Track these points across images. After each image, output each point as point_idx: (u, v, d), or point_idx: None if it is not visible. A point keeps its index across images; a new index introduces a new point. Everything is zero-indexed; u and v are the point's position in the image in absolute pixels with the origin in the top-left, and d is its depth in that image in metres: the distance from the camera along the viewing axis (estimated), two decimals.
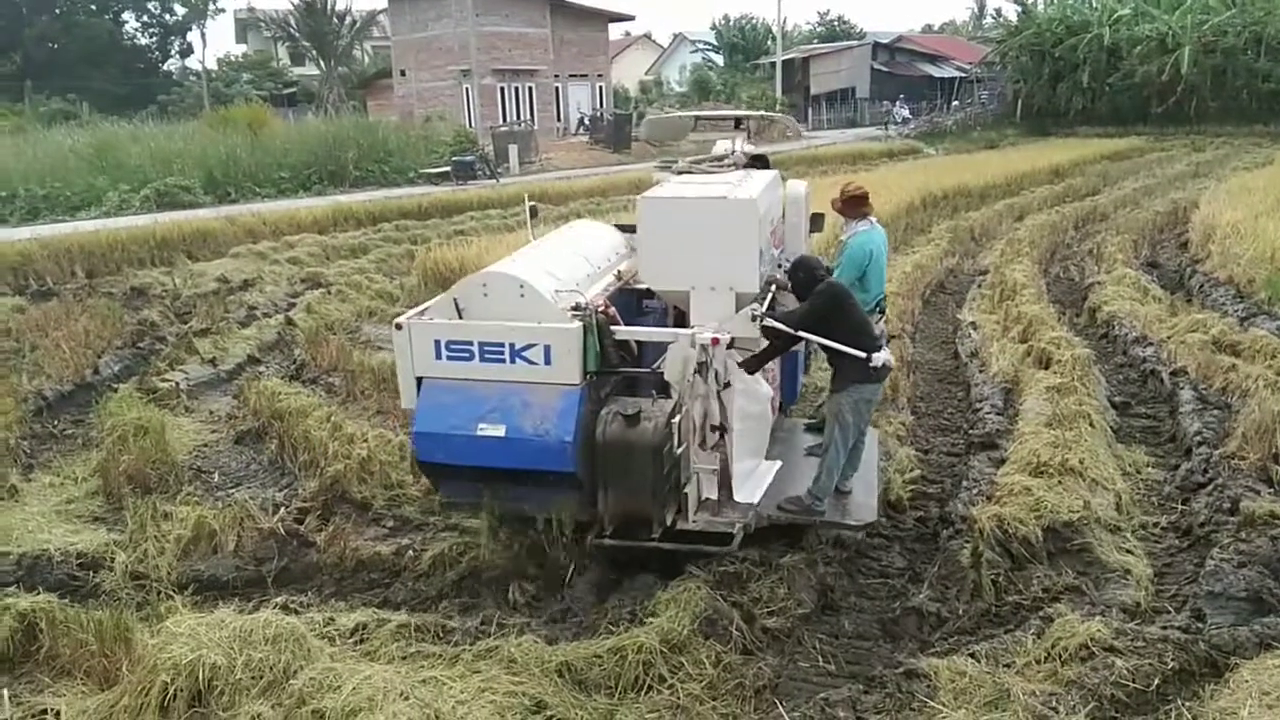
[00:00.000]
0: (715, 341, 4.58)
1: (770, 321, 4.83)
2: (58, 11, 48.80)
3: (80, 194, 19.07)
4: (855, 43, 56.78)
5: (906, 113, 44.41)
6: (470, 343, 4.64)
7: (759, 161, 6.44)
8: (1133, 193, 20.25)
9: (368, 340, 10.11)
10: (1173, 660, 3.71)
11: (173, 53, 54.17)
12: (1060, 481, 5.40)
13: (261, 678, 3.57)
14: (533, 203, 6.76)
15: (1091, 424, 6.47)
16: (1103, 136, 35.12)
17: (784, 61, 49.55)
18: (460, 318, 4.76)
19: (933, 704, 3.58)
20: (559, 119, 40.96)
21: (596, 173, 26.65)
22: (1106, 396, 7.48)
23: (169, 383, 8.41)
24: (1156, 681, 3.63)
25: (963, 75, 52.29)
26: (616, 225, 6.46)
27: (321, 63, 44.51)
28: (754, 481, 5.12)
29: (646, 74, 66.20)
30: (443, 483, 4.97)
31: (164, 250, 14.30)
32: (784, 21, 53.93)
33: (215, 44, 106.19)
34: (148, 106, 40.60)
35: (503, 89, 37.99)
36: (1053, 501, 5.11)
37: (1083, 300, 11.01)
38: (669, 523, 4.62)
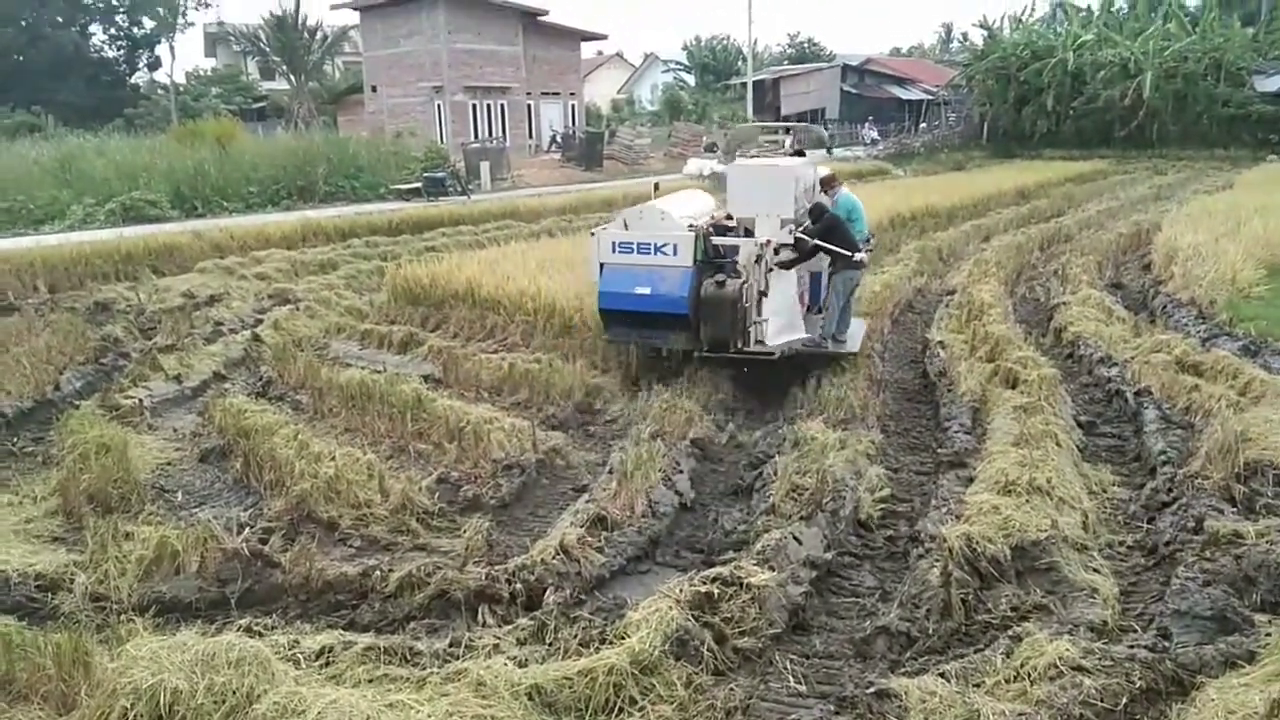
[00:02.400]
0: (768, 243, 8.46)
1: (799, 234, 8.74)
2: (23, 23, 48.11)
3: (44, 207, 18.77)
4: (825, 65, 57.49)
5: (875, 134, 44.97)
6: (632, 242, 8.25)
7: (798, 154, 10.30)
8: (1096, 214, 20.59)
9: (336, 357, 10.01)
10: (1140, 679, 3.74)
11: (140, 66, 53.63)
12: (1028, 500, 5.44)
13: (224, 702, 3.49)
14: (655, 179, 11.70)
15: (1058, 443, 6.53)
16: (1067, 159, 35.77)
17: (755, 82, 50.04)
18: (627, 229, 8.38)
19: None
20: (531, 136, 41.02)
21: (569, 190, 26.67)
22: (1073, 416, 7.57)
23: (132, 400, 8.28)
24: (1124, 701, 3.65)
25: (930, 98, 53.07)
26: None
27: (292, 77, 44.26)
28: (786, 333, 8.71)
29: (619, 92, 66.55)
30: (610, 326, 8.59)
31: (129, 265, 14.11)
32: (755, 43, 54.46)
33: (184, 58, 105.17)
34: (114, 120, 40.18)
35: (475, 106, 37.99)
36: (1021, 520, 5.14)
37: (1049, 320, 11.15)
38: (739, 345, 8.23)
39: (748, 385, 8.88)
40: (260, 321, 11.49)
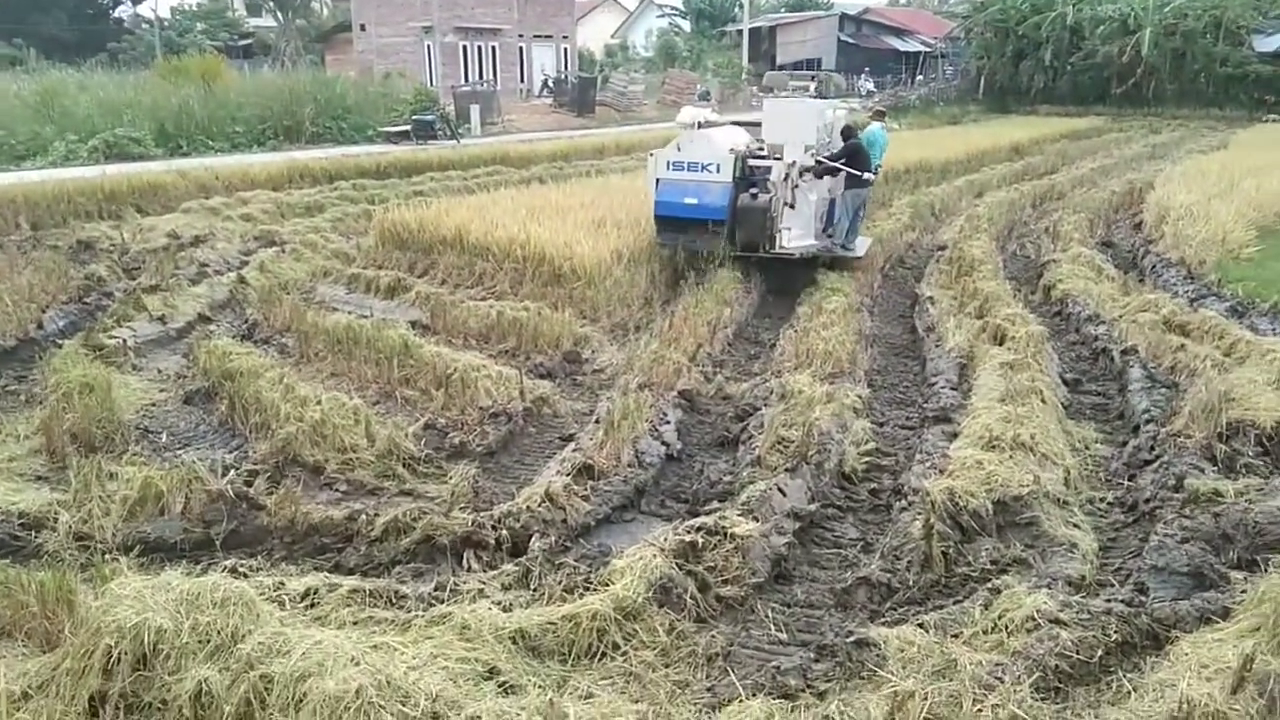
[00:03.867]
0: (794, 164, 10.40)
1: (820, 159, 10.72)
2: None
3: (25, 143, 18.43)
4: (822, 13, 56.58)
5: (871, 86, 44.47)
6: (684, 161, 10.10)
7: (820, 96, 12.15)
8: (1090, 172, 20.51)
9: (322, 301, 9.93)
10: (1115, 633, 3.79)
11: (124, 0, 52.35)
12: (1011, 456, 5.48)
13: (209, 641, 3.51)
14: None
15: (1043, 400, 6.56)
16: (1063, 115, 35.53)
17: (751, 30, 49.30)
18: (679, 151, 10.15)
19: (882, 673, 3.62)
20: (522, 80, 40.42)
21: (560, 136, 26.37)
22: (1059, 373, 7.61)
23: (116, 340, 8.19)
24: (1099, 653, 3.71)
25: (928, 50, 52.43)
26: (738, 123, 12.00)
27: (279, 14, 43.39)
28: (804, 241, 10.61)
29: (612, 37, 65.41)
30: (661, 231, 10.27)
31: (112, 203, 13.89)
32: None
33: None
34: (97, 54, 39.32)
35: (465, 47, 37.34)
36: (1003, 476, 5.18)
37: (1038, 278, 11.15)
38: (767, 248, 10.21)
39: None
40: (246, 263, 11.38)
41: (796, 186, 10.48)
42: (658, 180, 10.25)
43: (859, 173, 10.63)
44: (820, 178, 10.85)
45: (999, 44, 42.06)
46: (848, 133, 10.96)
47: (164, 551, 4.81)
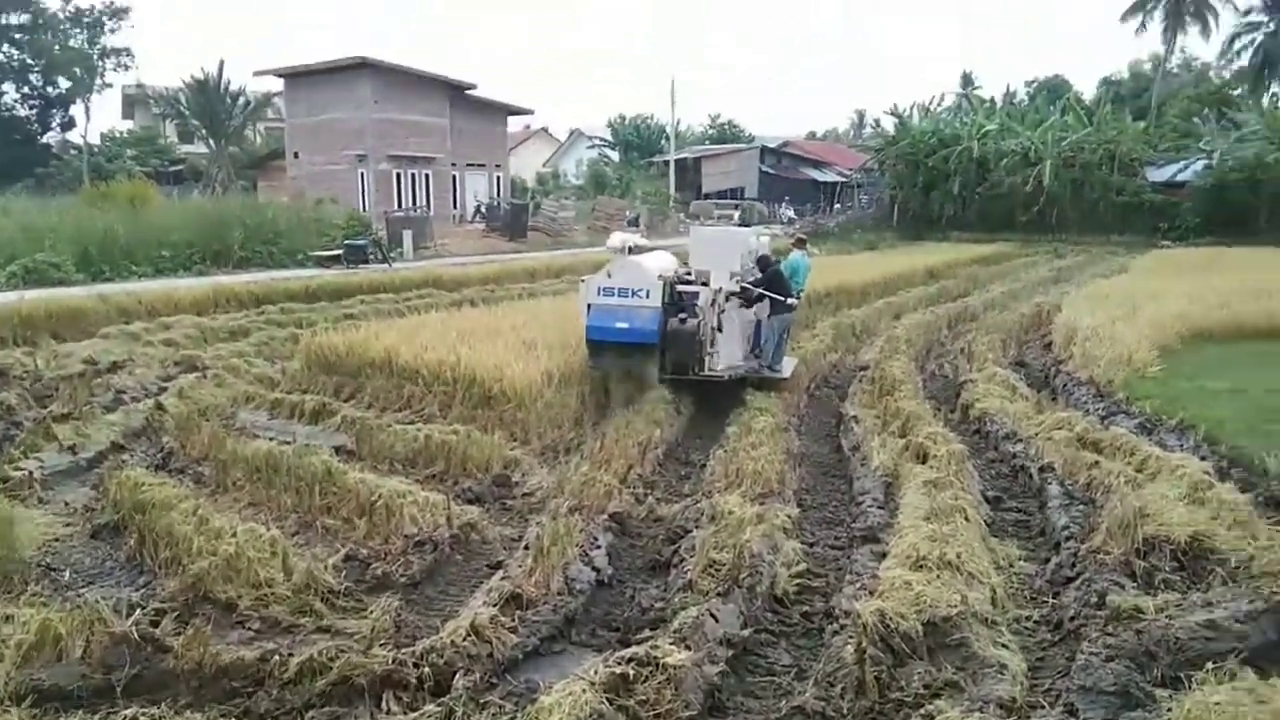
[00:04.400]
0: (720, 290, 10.88)
1: (744, 284, 11.17)
2: None
3: None
4: (744, 146, 59.31)
5: (792, 213, 46.34)
6: (615, 287, 10.26)
7: (744, 224, 13.15)
8: (1000, 295, 21.46)
9: (243, 427, 9.67)
10: None
11: (53, 126, 52.10)
12: (939, 575, 5.50)
13: None
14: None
15: (967, 518, 6.66)
16: (972, 241, 37.34)
17: (677, 160, 51.25)
18: (610, 278, 10.31)
19: None
20: (456, 206, 41.12)
21: (492, 260, 26.73)
22: (980, 491, 7.75)
23: (22, 471, 7.83)
24: None
25: (844, 180, 55.13)
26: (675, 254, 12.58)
27: (211, 141, 43.69)
28: (734, 362, 11.24)
29: (544, 166, 67.36)
30: (594, 355, 10.39)
31: (28, 329, 13.56)
32: (677, 123, 55.94)
33: (100, 119, 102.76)
34: (23, 180, 38.89)
35: (399, 174, 37.98)
36: (932, 596, 5.19)
37: (956, 396, 11.48)
38: (696, 370, 10.50)
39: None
40: (165, 390, 11.10)
41: (723, 311, 10.92)
42: (589, 305, 10.36)
43: (781, 298, 11.15)
44: (748, 305, 11.33)
45: (910, 175, 44.50)
46: (763, 262, 11.41)
47: (60, 700, 4.49)
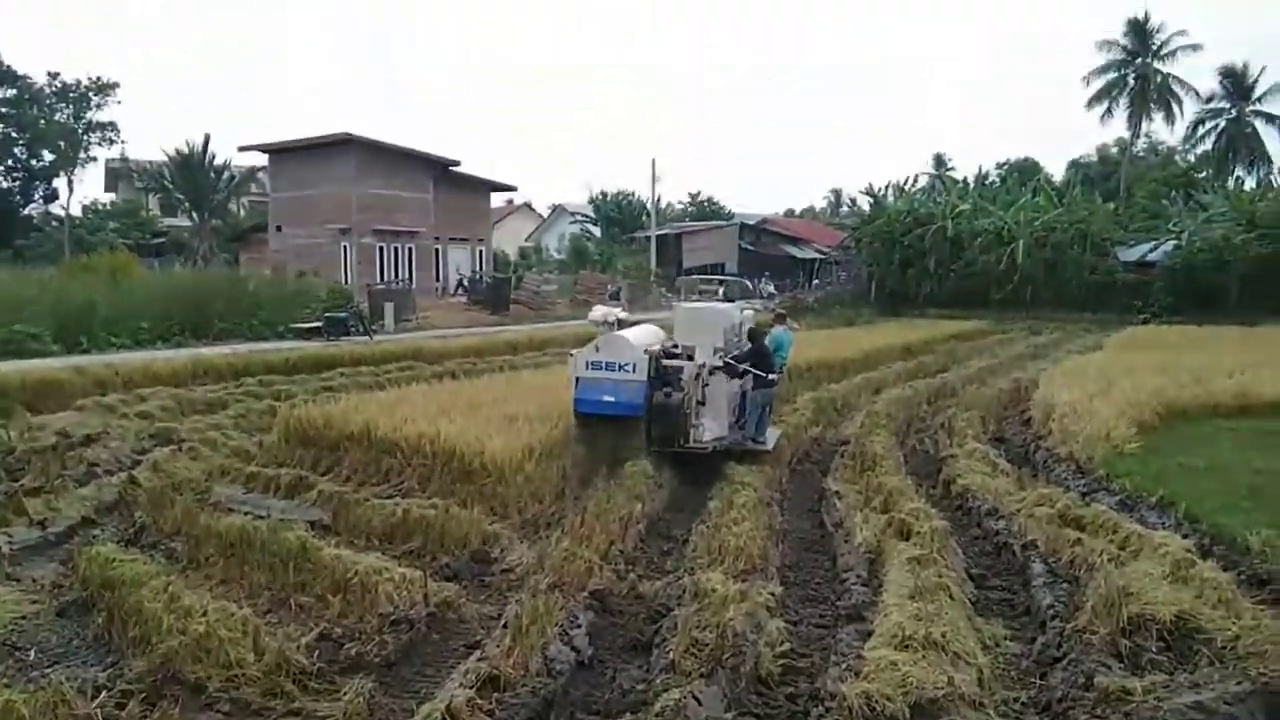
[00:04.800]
0: (704, 365, 11.13)
1: (728, 360, 11.35)
2: None
3: None
4: (724, 222, 60.25)
5: (772, 288, 46.92)
6: (602, 361, 10.59)
7: (729, 300, 13.60)
8: (978, 371, 21.65)
9: (217, 502, 9.50)
10: None
11: (36, 197, 52.28)
12: (924, 656, 5.43)
13: None
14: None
15: (951, 596, 6.60)
16: (949, 318, 37.76)
17: (659, 236, 51.96)
18: (597, 352, 10.65)
19: None
20: (438, 279, 41.34)
21: (474, 333, 26.77)
22: (964, 568, 7.70)
23: None
24: None
25: (822, 257, 55.94)
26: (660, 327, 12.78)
27: (194, 214, 43.94)
28: (718, 434, 11.28)
29: (527, 240, 68.10)
30: (582, 427, 10.67)
31: (2, 401, 13.32)
32: (658, 200, 56.89)
33: (83, 191, 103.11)
34: (3, 251, 38.88)
35: (382, 248, 38.26)
36: (918, 677, 5.11)
37: (938, 472, 11.48)
38: (681, 442, 10.69)
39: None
40: (139, 463, 10.93)
41: (707, 385, 11.14)
42: (578, 379, 10.67)
43: (764, 374, 11.35)
44: (732, 378, 11.51)
45: (886, 253, 45.21)
46: (753, 335, 11.79)
47: None
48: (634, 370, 10.51)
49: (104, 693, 5.07)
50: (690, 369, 10.96)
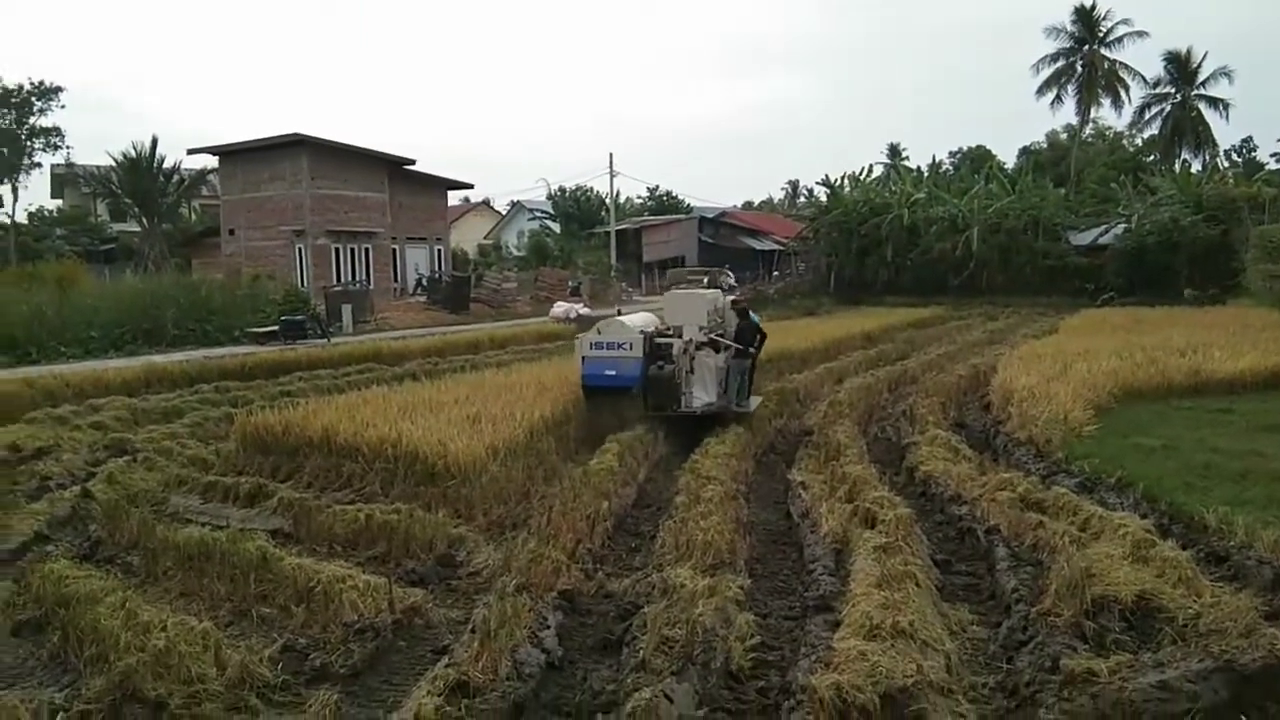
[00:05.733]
0: (690, 342, 12.91)
1: (713, 336, 13.12)
2: None
3: None
4: (683, 216, 60.38)
5: (732, 280, 46.99)
6: (604, 341, 12.58)
7: (712, 286, 14.67)
8: (938, 358, 21.85)
9: (175, 513, 9.31)
10: None
11: None
12: (893, 645, 5.44)
13: None
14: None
15: (918, 584, 6.63)
16: (907, 306, 38.18)
17: (618, 231, 51.90)
18: (600, 334, 12.67)
19: None
20: (396, 279, 40.90)
21: (434, 332, 26.55)
22: (930, 555, 7.76)
23: None
24: None
25: (781, 248, 56.22)
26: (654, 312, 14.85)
27: (143, 220, 43.02)
28: (705, 400, 12.97)
29: (486, 238, 67.64)
30: (589, 397, 12.59)
31: None
32: (617, 194, 56.78)
33: (28, 198, 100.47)
34: None
35: (338, 249, 37.74)
36: (887, 666, 5.12)
37: (901, 460, 11.57)
38: (674, 408, 12.59)
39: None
40: (93, 475, 10.66)
41: (694, 358, 12.93)
42: (584, 358, 12.72)
43: (742, 346, 13.23)
44: (717, 352, 13.17)
45: (844, 242, 45.59)
46: (743, 313, 13.58)
47: None
48: (631, 348, 12.50)
49: (61, 714, 4.94)
50: (678, 345, 12.73)
